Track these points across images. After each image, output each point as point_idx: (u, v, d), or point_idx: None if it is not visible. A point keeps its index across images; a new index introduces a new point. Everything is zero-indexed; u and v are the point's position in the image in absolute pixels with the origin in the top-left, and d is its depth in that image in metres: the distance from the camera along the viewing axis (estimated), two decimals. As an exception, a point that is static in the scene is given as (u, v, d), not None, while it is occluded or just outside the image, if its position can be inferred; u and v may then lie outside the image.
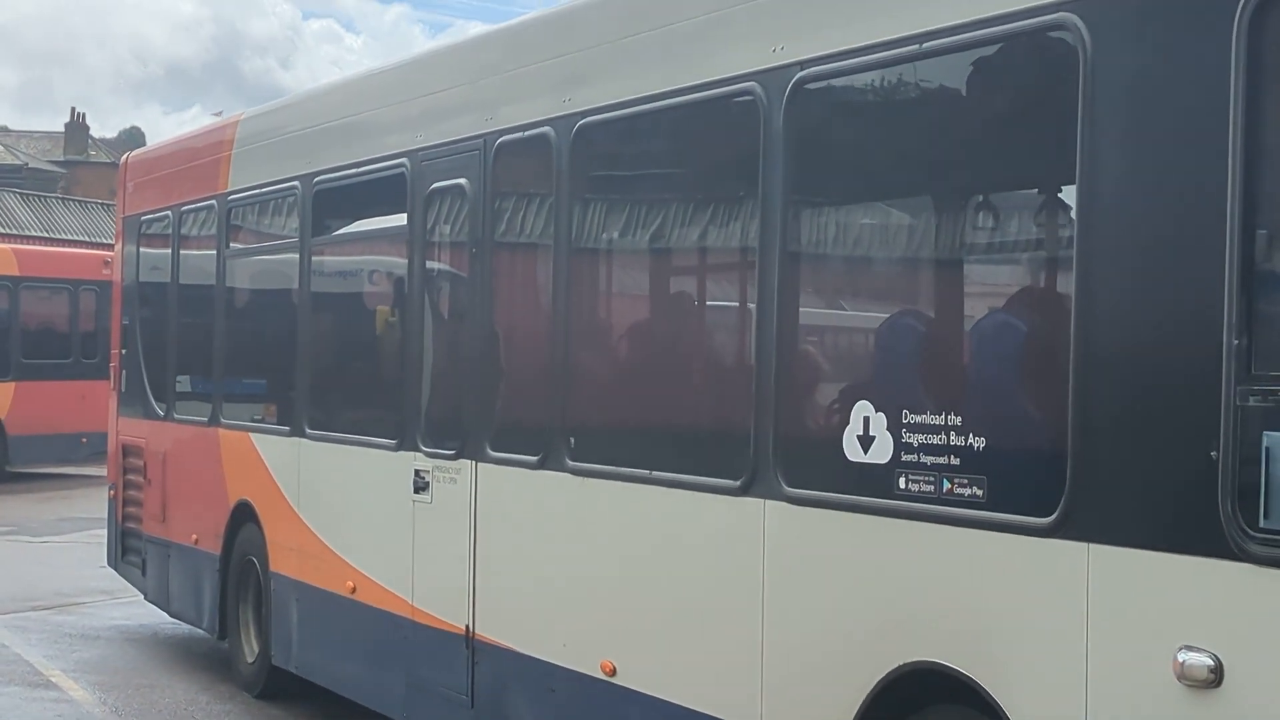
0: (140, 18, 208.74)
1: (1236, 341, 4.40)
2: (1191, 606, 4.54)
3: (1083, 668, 4.86)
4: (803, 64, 6.09)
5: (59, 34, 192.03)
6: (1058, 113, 5.01)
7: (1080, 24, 4.93)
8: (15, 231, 42.06)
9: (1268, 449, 4.32)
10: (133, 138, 71.51)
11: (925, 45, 5.55)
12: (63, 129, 62.17)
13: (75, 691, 11.07)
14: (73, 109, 62.23)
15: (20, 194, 46.91)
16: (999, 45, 5.29)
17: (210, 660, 12.07)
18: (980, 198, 5.51)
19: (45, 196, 48.50)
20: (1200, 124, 4.54)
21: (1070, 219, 4.98)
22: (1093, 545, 4.84)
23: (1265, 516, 4.32)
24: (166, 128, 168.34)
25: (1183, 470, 4.54)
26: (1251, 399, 4.37)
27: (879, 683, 5.61)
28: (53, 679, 11.47)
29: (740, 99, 6.39)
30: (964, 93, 5.57)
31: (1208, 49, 4.51)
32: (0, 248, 28.21)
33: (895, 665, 5.55)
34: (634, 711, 6.96)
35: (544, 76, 7.87)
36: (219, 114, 12.56)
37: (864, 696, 5.66)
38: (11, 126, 70.75)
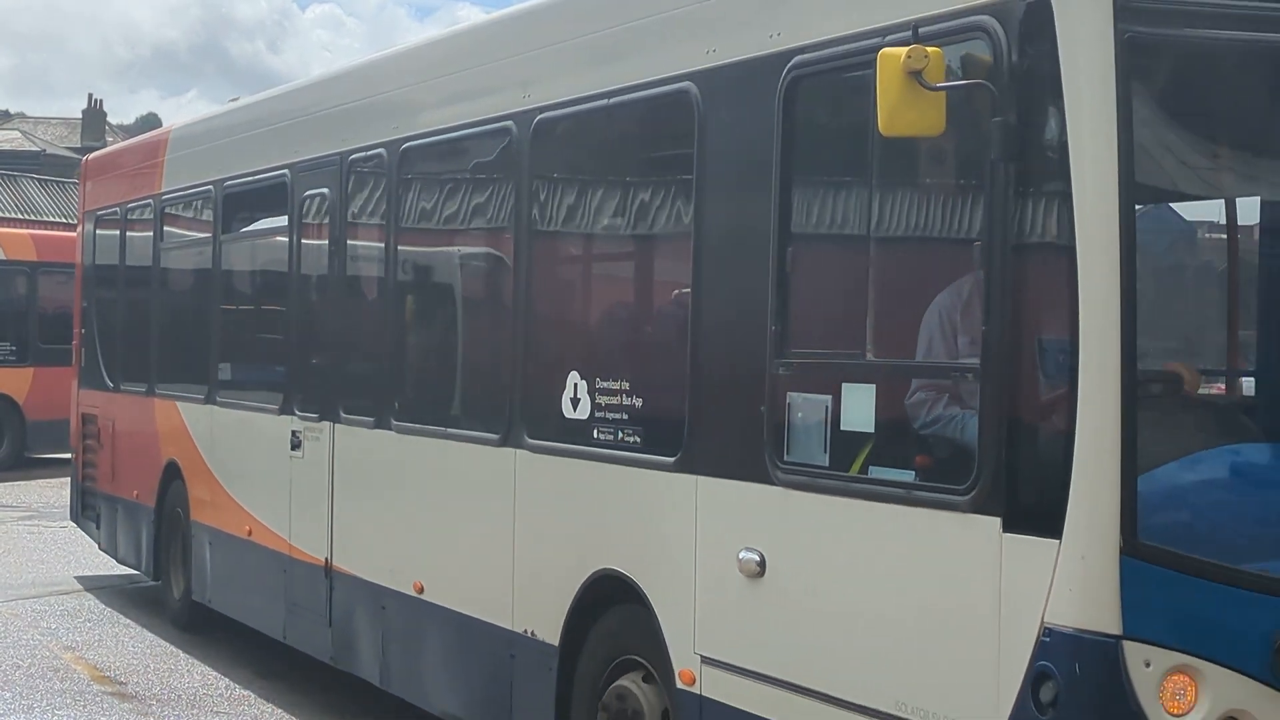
0: (126, 1, 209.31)
1: (774, 328, 6.13)
2: (749, 519, 6.28)
3: (693, 567, 6.59)
4: (541, 109, 7.82)
5: (47, 17, 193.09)
6: (686, 153, 6.73)
7: (695, 90, 6.66)
8: (34, 217, 42.36)
9: (789, 404, 6.05)
10: (149, 124, 72.65)
11: (612, 100, 7.29)
12: (79, 115, 63.41)
13: (95, 676, 11.19)
14: (90, 95, 63.00)
15: (38, 180, 47.25)
16: (654, 102, 7.01)
17: (228, 645, 12.09)
18: (648, 218, 7.24)
19: (63, 182, 48.93)
20: (757, 168, 6.25)
21: (691, 237, 6.70)
22: (699, 477, 6.58)
23: (788, 453, 6.05)
24: (171, 112, 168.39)
25: (746, 421, 6.27)
26: (781, 369, 6.10)
27: (582, 585, 7.34)
28: (73, 664, 11.58)
29: (502, 134, 8.12)
30: (637, 134, 7.31)
31: (762, 112, 6.22)
32: (18, 233, 28.53)
33: (592, 571, 7.28)
34: (435, 622, 8.72)
35: (381, 107, 9.64)
36: (235, 100, 13.87)
37: (573, 595, 7.39)
38: (28, 113, 72.24)
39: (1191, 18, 5.02)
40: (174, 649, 12.21)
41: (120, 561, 14.58)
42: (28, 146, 57.51)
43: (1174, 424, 5.39)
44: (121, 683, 11.00)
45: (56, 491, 22.40)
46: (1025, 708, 4.99)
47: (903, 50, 5.15)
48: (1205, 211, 6.11)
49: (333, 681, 10.48)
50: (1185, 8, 5.01)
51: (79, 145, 57.28)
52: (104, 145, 58.56)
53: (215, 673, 11.40)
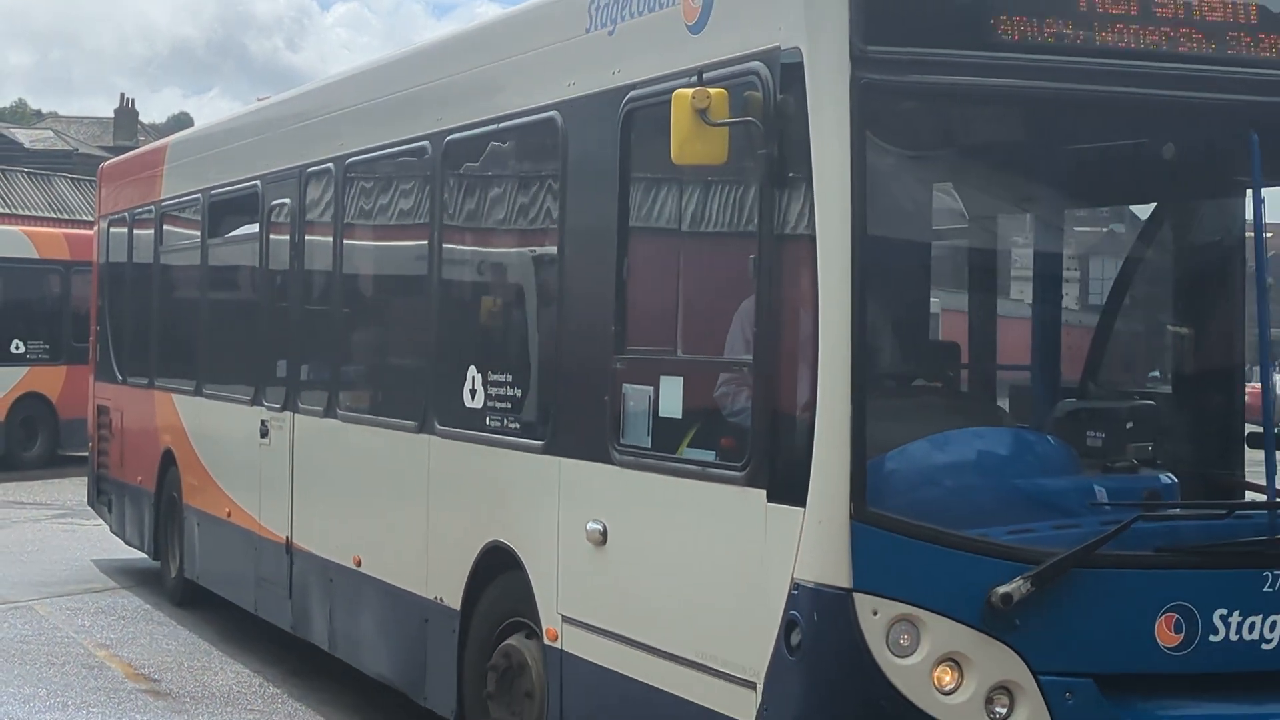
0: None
1: (614, 328, 7.04)
2: (595, 495, 7.21)
3: (556, 538, 7.52)
4: (449, 131, 8.77)
5: (64, 14, 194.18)
6: (555, 172, 7.66)
7: (559, 117, 7.58)
8: (67, 216, 42.51)
9: (624, 395, 6.97)
10: (181, 123, 73.17)
11: (501, 125, 8.23)
12: (111, 115, 63.92)
13: (130, 673, 11.21)
14: (122, 95, 63.09)
15: (71, 179, 47.18)
16: (531, 127, 7.94)
17: (261, 642, 12.01)
18: (529, 230, 8.17)
19: (95, 181, 49.15)
20: (605, 186, 7.15)
21: (559, 245, 7.63)
22: (561, 458, 7.50)
23: (623, 437, 6.97)
24: (197, 110, 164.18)
25: (594, 410, 7.19)
26: (619, 364, 7.01)
27: (477, 555, 8.27)
28: (107, 661, 11.58)
29: (421, 152, 9.08)
30: (521, 155, 8.24)
31: (607, 137, 7.12)
32: (51, 232, 28.77)
33: (484, 542, 8.21)
34: (370, 592, 9.69)
35: (330, 126, 10.64)
36: (265, 98, 14.36)
37: (470, 564, 8.32)
38: (60, 112, 73.17)
39: (926, 65, 5.88)
40: (208, 646, 12.25)
41: (127, 543, 15.61)
42: (60, 145, 57.21)
43: (908, 412, 6.29)
44: (155, 680, 11.05)
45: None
46: (780, 651, 5.89)
47: (690, 91, 6.05)
48: (953, 228, 6.98)
49: (364, 682, 10.34)
50: (919, 57, 5.87)
51: (111, 144, 56.56)
52: (136, 144, 58.22)
53: (248, 670, 11.43)
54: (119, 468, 15.72)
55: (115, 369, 15.90)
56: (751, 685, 6.06)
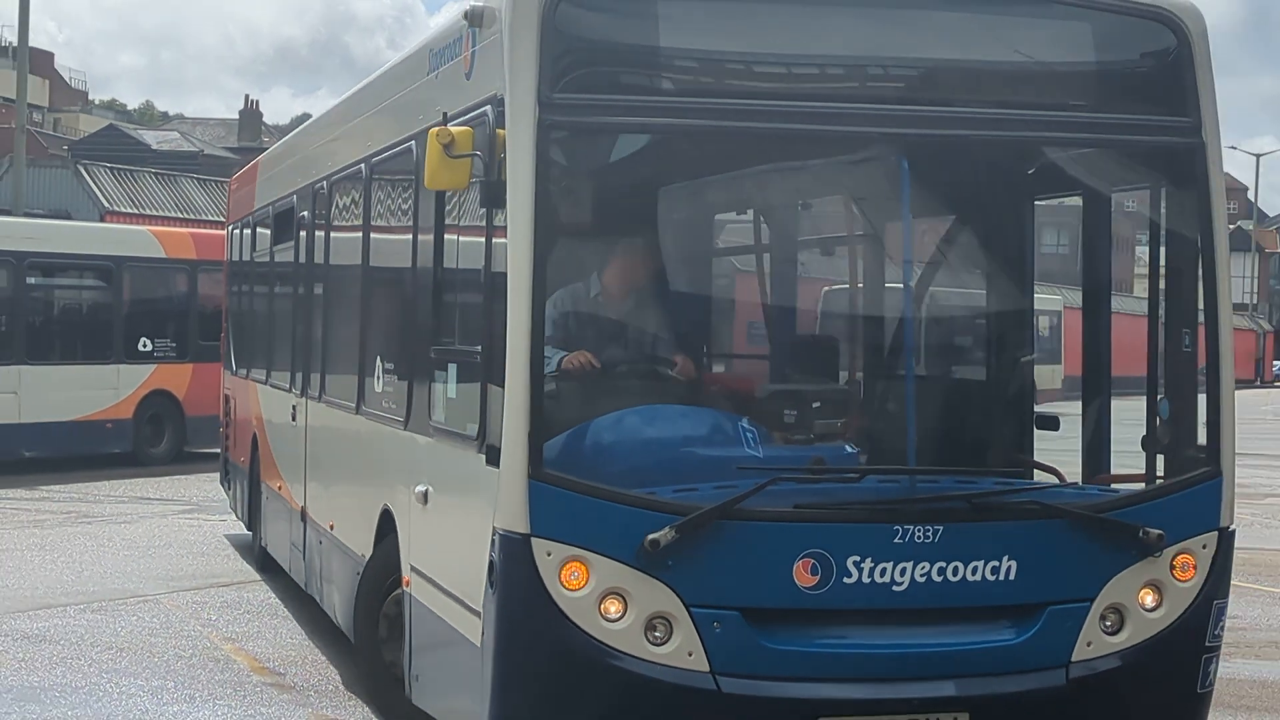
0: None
1: (432, 323, 8.45)
2: (423, 463, 8.63)
3: (410, 499, 8.96)
4: (372, 155, 10.29)
5: (171, 16, 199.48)
6: (415, 195, 9.10)
7: (415, 146, 9.02)
8: (193, 216, 42.57)
9: (433, 380, 8.37)
10: (303, 123, 75.10)
11: (393, 151, 9.71)
12: (234, 115, 66.33)
13: (255, 667, 11.47)
14: (246, 96, 66.64)
15: (197, 179, 47.44)
16: (404, 153, 9.38)
17: None
18: (408, 242, 9.59)
19: (220, 182, 44.85)
20: (433, 205, 8.54)
21: (413, 253, 9.06)
22: (416, 435, 8.93)
23: (433, 414, 8.38)
24: (316, 110, 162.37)
25: (425, 392, 8.61)
26: (434, 353, 8.41)
27: (379, 516, 9.75)
28: (233, 655, 11.86)
29: (359, 174, 10.61)
30: (402, 176, 9.67)
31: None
32: (179, 232, 29.31)
33: (381, 506, 9.70)
34: (337, 551, 11.24)
35: (323, 152, 12.24)
36: None
37: (375, 524, 9.81)
38: (187, 114, 76.10)
39: (603, 109, 7.17)
40: (331, 641, 12.19)
41: (238, 518, 17.47)
42: (186, 147, 58.36)
43: (584, 393, 7.59)
44: (280, 674, 11.26)
45: (216, 486, 21.05)
46: (488, 587, 7.25)
47: (437, 129, 7.43)
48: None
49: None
50: (598, 102, 7.16)
51: (235, 145, 57.97)
52: (261, 145, 56.72)
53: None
54: (234, 450, 17.63)
55: (233, 362, 17.82)
56: (478, 614, 7.42)
